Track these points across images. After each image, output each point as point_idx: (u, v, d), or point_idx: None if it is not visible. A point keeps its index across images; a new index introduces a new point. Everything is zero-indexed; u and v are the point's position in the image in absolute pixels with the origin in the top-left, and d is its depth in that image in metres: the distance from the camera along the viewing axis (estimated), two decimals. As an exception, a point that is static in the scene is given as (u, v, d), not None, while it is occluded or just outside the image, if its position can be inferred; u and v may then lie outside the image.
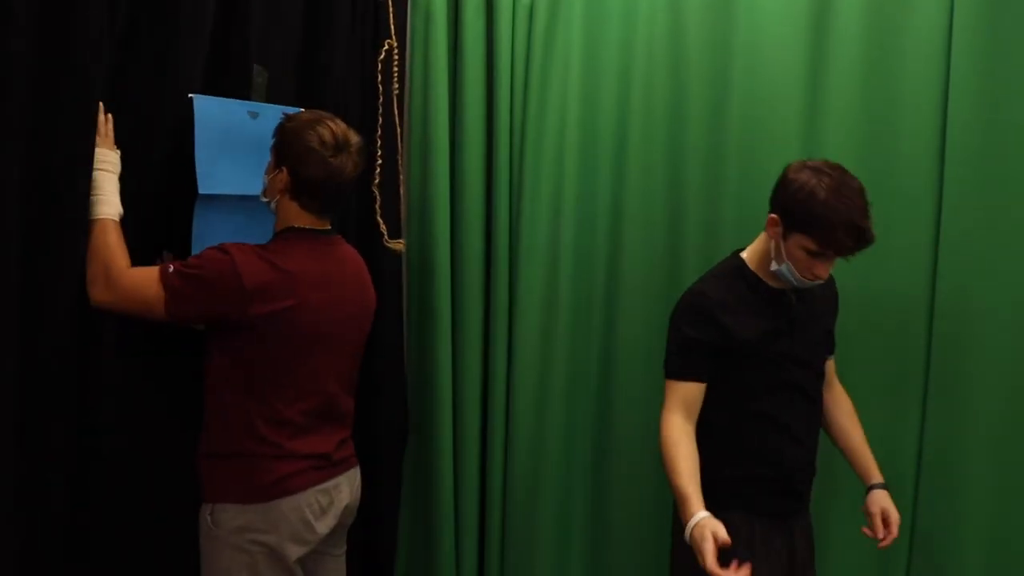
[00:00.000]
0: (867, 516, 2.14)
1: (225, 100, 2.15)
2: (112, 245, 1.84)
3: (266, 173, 2.06)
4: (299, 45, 2.39)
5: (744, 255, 2.11)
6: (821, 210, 1.88)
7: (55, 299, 1.76)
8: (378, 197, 2.63)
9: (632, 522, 2.75)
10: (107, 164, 1.86)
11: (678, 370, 2.05)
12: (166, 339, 2.07)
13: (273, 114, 2.26)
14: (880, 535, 2.11)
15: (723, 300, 2.04)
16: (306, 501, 1.97)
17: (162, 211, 2.06)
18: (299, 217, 2.01)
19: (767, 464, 2.07)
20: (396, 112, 2.71)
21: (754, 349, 2.03)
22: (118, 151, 1.89)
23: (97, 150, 1.84)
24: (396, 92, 2.71)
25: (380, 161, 2.62)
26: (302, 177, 1.97)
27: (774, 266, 2.01)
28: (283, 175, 1.99)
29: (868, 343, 2.52)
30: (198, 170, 2.06)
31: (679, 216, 2.69)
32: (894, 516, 2.12)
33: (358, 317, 2.13)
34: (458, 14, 2.73)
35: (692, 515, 1.87)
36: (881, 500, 2.14)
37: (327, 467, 2.04)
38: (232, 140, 2.14)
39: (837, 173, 1.93)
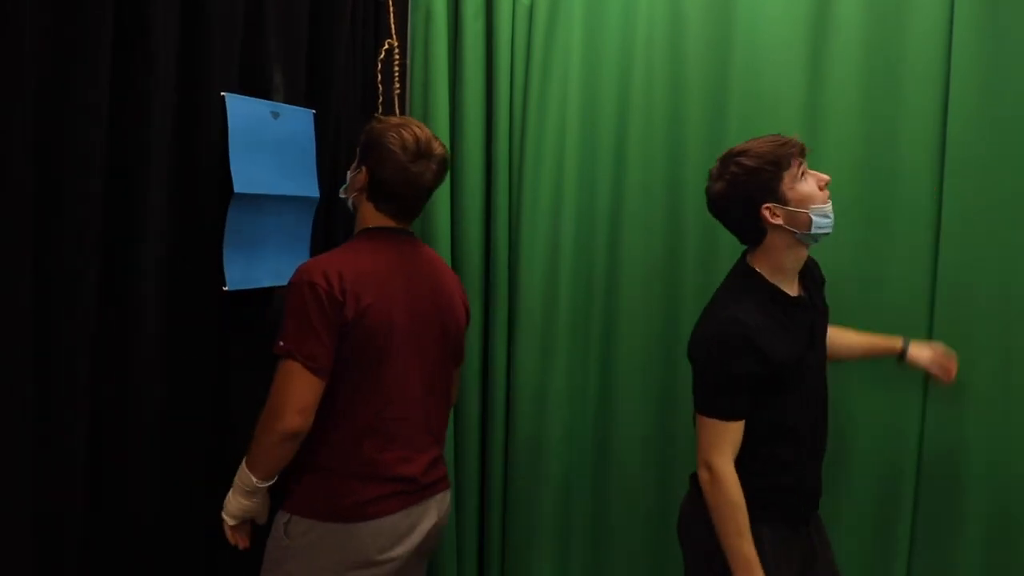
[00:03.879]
0: (925, 365, 2.25)
1: (251, 100, 2.16)
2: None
3: (349, 170, 2.08)
4: (304, 45, 2.39)
5: (755, 266, 1.99)
6: (764, 154, 1.90)
7: (73, 299, 1.76)
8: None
9: (632, 520, 2.75)
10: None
11: (729, 411, 1.91)
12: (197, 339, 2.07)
13: (292, 114, 2.27)
14: (950, 368, 2.25)
15: (757, 324, 1.89)
16: (384, 527, 1.92)
17: (197, 211, 2.06)
18: (375, 219, 2.02)
19: (790, 477, 2.00)
20: (397, 112, 2.72)
21: (788, 371, 1.93)
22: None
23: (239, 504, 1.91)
24: (397, 92, 2.71)
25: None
26: (379, 179, 1.98)
27: (817, 228, 1.91)
28: (362, 175, 2.01)
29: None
30: (233, 169, 2.07)
31: (679, 215, 2.70)
32: (943, 349, 2.22)
33: (441, 318, 2.07)
34: (458, 14, 2.74)
35: None
36: (924, 350, 2.24)
37: (414, 492, 1.98)
38: (259, 139, 2.15)
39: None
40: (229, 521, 1.93)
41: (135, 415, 1.91)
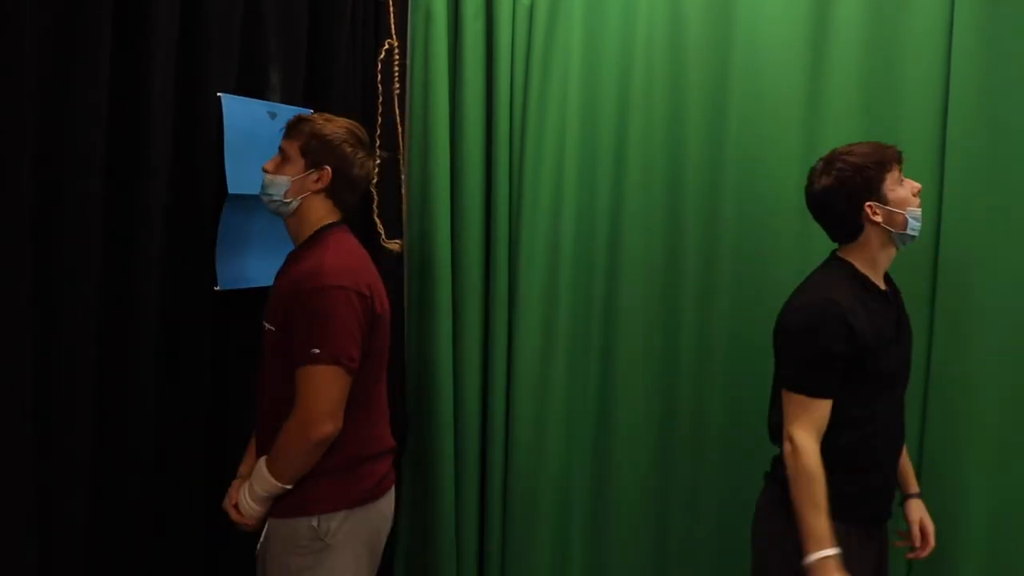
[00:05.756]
0: (910, 520, 2.15)
1: (247, 100, 2.16)
2: None
3: (284, 173, 1.98)
4: (304, 45, 2.39)
5: (848, 259, 2.03)
6: (868, 154, 1.98)
7: (73, 299, 1.76)
8: (375, 196, 2.63)
9: (632, 521, 2.75)
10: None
11: (817, 387, 1.92)
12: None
13: (290, 114, 2.27)
14: (918, 544, 2.13)
15: (852, 306, 1.93)
16: (392, 497, 2.05)
17: (197, 210, 2.06)
18: (331, 214, 2.00)
19: (873, 474, 2.02)
20: (397, 112, 2.72)
21: (876, 356, 1.95)
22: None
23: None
24: (397, 92, 2.71)
25: (379, 160, 2.62)
26: (348, 177, 1.99)
27: (911, 229, 1.98)
28: (326, 174, 1.96)
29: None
30: (227, 170, 2.08)
31: (678, 215, 2.70)
32: (931, 528, 2.14)
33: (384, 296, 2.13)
34: (458, 14, 2.74)
35: (823, 550, 1.83)
36: (920, 510, 2.16)
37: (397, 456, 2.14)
38: (254, 140, 2.15)
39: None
40: (250, 524, 1.93)
41: (135, 414, 1.91)
